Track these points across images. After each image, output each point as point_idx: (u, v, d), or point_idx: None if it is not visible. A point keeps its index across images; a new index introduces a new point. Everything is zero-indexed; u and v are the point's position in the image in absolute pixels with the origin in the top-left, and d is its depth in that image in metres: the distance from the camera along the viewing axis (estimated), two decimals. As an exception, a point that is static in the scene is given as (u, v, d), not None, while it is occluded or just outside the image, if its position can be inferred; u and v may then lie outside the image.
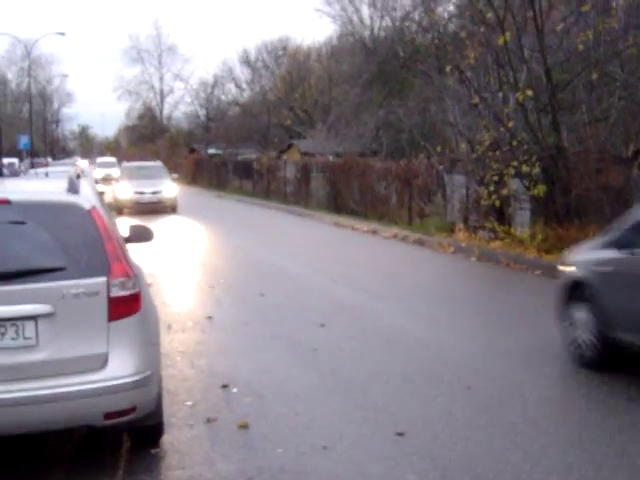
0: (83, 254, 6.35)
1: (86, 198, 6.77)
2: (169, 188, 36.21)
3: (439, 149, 23.07)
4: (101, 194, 12.58)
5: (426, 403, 8.25)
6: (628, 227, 9.19)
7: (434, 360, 9.92)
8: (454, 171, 23.24)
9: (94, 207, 6.64)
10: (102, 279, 6.25)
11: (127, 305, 6.34)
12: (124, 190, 35.70)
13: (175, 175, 41.01)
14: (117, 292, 6.28)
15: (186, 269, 18.12)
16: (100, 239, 6.39)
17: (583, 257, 9.99)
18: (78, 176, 7.41)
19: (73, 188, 6.80)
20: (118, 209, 34.23)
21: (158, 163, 41.47)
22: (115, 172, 62.22)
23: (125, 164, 42.05)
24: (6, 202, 6.49)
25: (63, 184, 6.94)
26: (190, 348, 10.67)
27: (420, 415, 7.85)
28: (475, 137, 20.51)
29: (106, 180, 62.98)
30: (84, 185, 7.22)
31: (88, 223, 6.46)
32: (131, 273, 6.42)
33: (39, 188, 7.73)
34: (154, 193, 35.26)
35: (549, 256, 16.84)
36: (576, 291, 9.73)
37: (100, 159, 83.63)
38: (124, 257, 6.49)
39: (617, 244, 9.11)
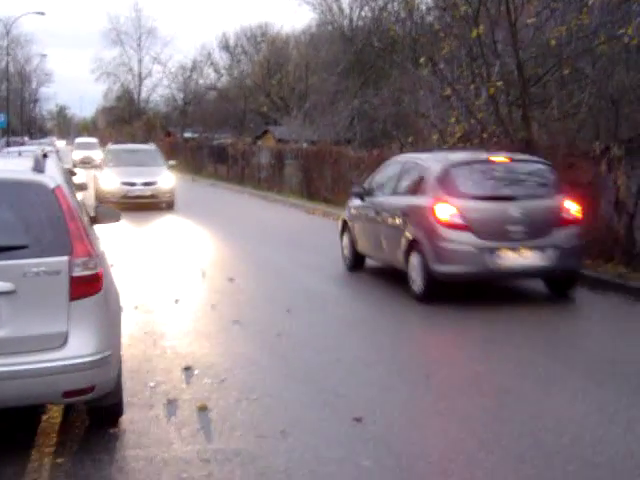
0: (46, 233, 6.42)
1: (51, 177, 6.85)
2: (165, 179, 29.50)
3: (411, 139, 23.18)
4: (77, 182, 12.28)
5: (384, 390, 8.39)
6: (363, 185, 16.00)
7: (392, 346, 10.05)
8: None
9: (59, 186, 6.71)
10: (64, 258, 6.32)
11: (88, 285, 6.43)
12: (109, 180, 29.08)
13: (173, 162, 33.78)
14: (79, 272, 6.35)
15: (154, 252, 18.20)
16: (63, 218, 6.46)
17: (348, 204, 16.43)
18: (45, 155, 7.48)
19: (38, 167, 6.88)
20: (100, 202, 26.20)
21: (151, 146, 34.28)
22: (96, 154, 57.51)
23: (111, 146, 34.33)
24: None
25: (29, 163, 7.03)
26: (155, 329, 10.78)
27: (379, 402, 7.99)
28: (447, 128, 20.65)
29: (85, 163, 58.47)
30: (50, 164, 7.31)
31: (52, 202, 6.53)
32: (93, 253, 6.50)
33: (5, 166, 7.81)
34: (147, 184, 28.87)
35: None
36: (344, 226, 16.30)
37: (79, 139, 76.90)
38: (87, 237, 6.57)
39: (358, 195, 15.67)
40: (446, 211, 12.49)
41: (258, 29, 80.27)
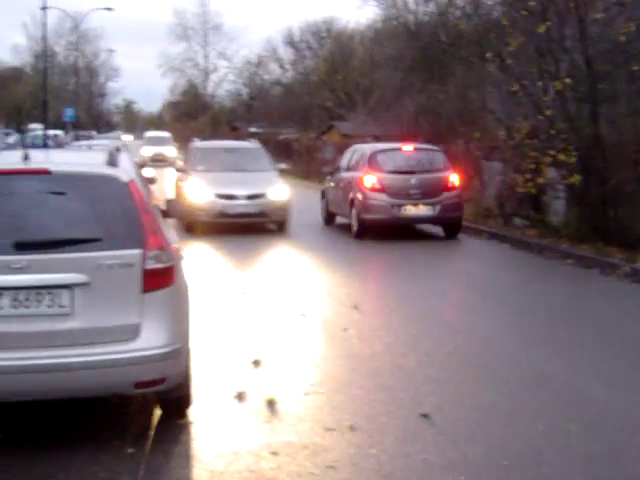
0: (120, 226, 6.54)
1: (124, 171, 6.97)
2: (278, 189, 21.28)
3: (477, 135, 23.05)
4: (147, 176, 11.35)
5: (452, 387, 8.41)
6: (333, 166, 23.21)
7: (464, 344, 10.05)
8: (491, 158, 23.26)
9: (132, 180, 6.83)
10: (137, 251, 6.44)
11: (161, 278, 6.53)
12: (198, 191, 20.91)
13: (283, 165, 26.49)
14: (152, 264, 6.47)
15: (219, 246, 18.33)
16: (137, 212, 6.58)
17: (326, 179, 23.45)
18: (118, 149, 7.61)
19: (112, 161, 7.00)
20: (186, 221, 20.75)
21: (254, 144, 25.04)
22: (169, 151, 54.60)
23: (198, 144, 25.18)
24: (46, 172, 6.70)
25: (103, 157, 7.14)
26: (224, 322, 10.87)
27: (447, 399, 8.01)
28: (513, 125, 20.52)
29: (157, 161, 51.03)
30: (123, 158, 7.42)
31: (125, 196, 6.65)
32: (166, 246, 6.61)
33: (79, 160, 7.94)
34: (252, 198, 20.78)
35: (582, 246, 16.88)
36: (322, 194, 23.62)
37: (149, 133, 66.56)
38: (160, 230, 6.68)
39: (329, 173, 23.43)
40: (370, 180, 19.73)
41: (323, 24, 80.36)
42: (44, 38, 54.34)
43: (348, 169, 21.43)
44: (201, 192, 20.89)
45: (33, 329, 6.26)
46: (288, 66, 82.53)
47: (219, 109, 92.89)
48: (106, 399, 7.34)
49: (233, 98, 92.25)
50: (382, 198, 19.40)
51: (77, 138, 63.97)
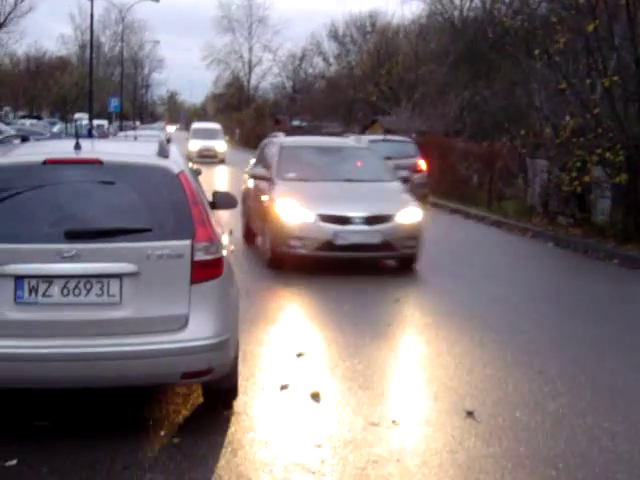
0: (169, 217, 6.58)
1: (175, 162, 7.00)
2: (407, 210, 14.71)
3: (523, 132, 22.94)
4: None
5: (497, 385, 8.38)
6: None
7: (505, 343, 10.01)
8: (537, 155, 23.13)
9: (182, 171, 6.86)
10: (187, 242, 6.47)
11: (210, 269, 6.56)
12: (292, 210, 14.24)
13: (405, 173, 20.85)
14: (201, 256, 6.49)
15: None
16: (186, 203, 6.60)
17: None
18: (168, 141, 7.64)
19: (163, 152, 7.02)
20: (272, 252, 14.46)
21: (360, 142, 19.97)
22: (220, 146, 49.28)
23: (284, 140, 17.90)
24: (98, 162, 6.75)
25: (154, 148, 7.17)
26: (267, 315, 10.90)
27: (492, 397, 7.99)
28: (560, 122, 20.39)
29: (206, 157, 46.42)
30: (173, 149, 7.45)
31: (176, 187, 6.68)
32: (215, 238, 6.64)
33: (130, 150, 7.97)
34: (372, 222, 14.14)
35: (628, 246, 16.77)
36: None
37: (197, 125, 56.59)
38: (209, 222, 6.71)
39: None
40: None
41: (367, 18, 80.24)
42: (91, 29, 54.50)
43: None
44: (296, 212, 14.11)
45: (82, 317, 6.31)
46: (332, 60, 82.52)
47: (262, 102, 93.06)
48: (153, 389, 7.40)
49: (276, 91, 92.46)
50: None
51: (121, 129, 64.45)
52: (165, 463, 6.24)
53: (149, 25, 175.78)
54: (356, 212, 14.02)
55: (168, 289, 6.45)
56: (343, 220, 13.92)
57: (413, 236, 14.39)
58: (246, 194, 17.59)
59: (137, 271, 6.35)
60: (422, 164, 26.57)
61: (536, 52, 21.14)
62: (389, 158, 19.62)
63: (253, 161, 18.89)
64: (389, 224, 14.08)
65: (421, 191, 23.40)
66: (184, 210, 6.57)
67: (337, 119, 64.41)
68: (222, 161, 45.27)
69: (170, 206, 6.60)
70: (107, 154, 7.07)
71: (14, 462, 6.19)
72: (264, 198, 15.14)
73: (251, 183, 17.05)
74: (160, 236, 6.46)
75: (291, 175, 15.38)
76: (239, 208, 13.89)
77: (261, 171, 16.25)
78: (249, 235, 17.23)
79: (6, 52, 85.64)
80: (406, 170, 22.14)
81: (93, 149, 7.53)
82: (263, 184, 15.62)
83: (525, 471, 6.27)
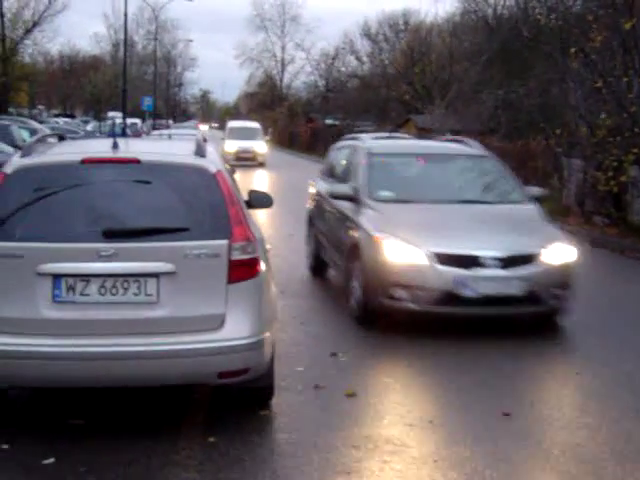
0: (207, 216, 6.57)
1: (212, 162, 6.98)
2: (555, 247, 10.40)
3: (558, 131, 22.78)
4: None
5: (535, 385, 8.31)
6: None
7: (545, 343, 9.92)
8: (572, 154, 22.96)
9: (219, 171, 6.84)
10: (224, 242, 6.45)
11: (246, 269, 6.54)
12: (395, 246, 10.01)
13: (539, 190, 13.00)
14: (237, 255, 6.48)
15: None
16: (224, 203, 6.59)
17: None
18: (205, 140, 7.62)
19: (200, 151, 7.01)
20: (367, 303, 10.33)
21: (478, 149, 12.72)
22: (260, 147, 44.58)
23: (373, 145, 12.80)
24: (136, 162, 6.75)
25: (191, 147, 7.16)
26: (301, 314, 10.88)
27: (528, 397, 7.93)
28: (596, 121, 20.24)
29: (245, 159, 42.67)
30: (210, 149, 7.44)
31: (213, 186, 6.67)
32: (252, 238, 6.62)
33: (167, 150, 7.97)
34: (510, 265, 9.88)
35: (664, 246, 16.64)
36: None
37: (234, 123, 50.07)
38: (246, 222, 6.69)
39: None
40: None
41: (400, 17, 80.00)
42: (125, 27, 54.71)
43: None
44: (400, 249, 10.10)
45: (119, 316, 6.31)
46: (365, 58, 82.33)
47: (295, 101, 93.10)
48: (189, 388, 7.39)
49: (309, 90, 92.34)
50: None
51: (154, 127, 64.68)
52: (202, 462, 6.24)
53: (182, 24, 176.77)
54: (487, 250, 9.98)
55: (205, 288, 6.44)
56: (469, 261, 9.88)
57: (564, 283, 10.44)
58: (316, 213, 13.92)
59: (174, 270, 6.35)
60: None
61: (572, 50, 21.01)
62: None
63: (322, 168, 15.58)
64: (534, 267, 10.07)
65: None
66: (221, 209, 6.56)
67: (370, 118, 64.25)
68: (262, 164, 41.79)
69: (207, 205, 6.59)
70: (144, 153, 7.07)
71: (51, 460, 6.21)
72: (349, 225, 11.42)
73: (324, 200, 13.21)
74: (197, 235, 6.45)
75: (387, 195, 11.45)
76: (303, 229, 13.16)
77: (343, 188, 11.92)
78: (320, 268, 13.61)
79: (40, 51, 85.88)
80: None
81: (130, 148, 7.53)
82: (345, 205, 11.76)
83: (568, 473, 6.22)
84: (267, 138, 51.00)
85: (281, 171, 40.74)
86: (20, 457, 6.28)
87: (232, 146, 43.18)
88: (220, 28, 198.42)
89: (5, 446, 6.45)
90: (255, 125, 48.46)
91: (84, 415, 7.08)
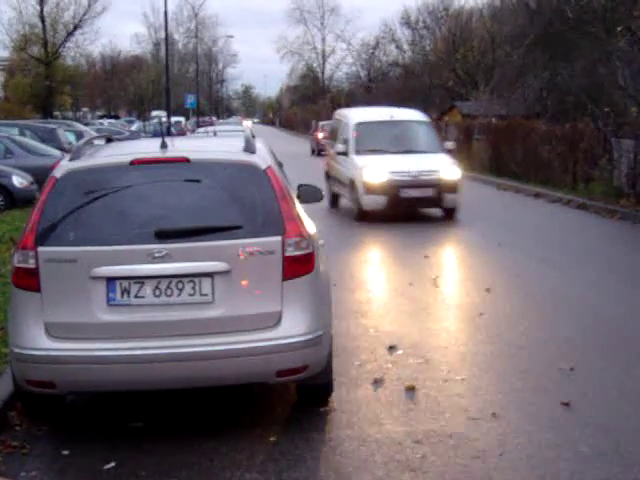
0: (259, 213, 6.49)
1: (262, 158, 6.89)
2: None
3: (606, 111, 22.42)
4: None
5: (595, 373, 8.15)
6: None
7: (602, 329, 9.75)
8: (622, 135, 22.61)
9: (269, 167, 6.76)
10: (277, 238, 6.37)
11: (301, 265, 6.45)
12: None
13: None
14: (292, 251, 6.39)
15: (344, 229, 18.22)
16: (276, 199, 6.50)
17: None
18: (253, 136, 7.53)
19: (250, 148, 6.92)
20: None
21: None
22: (447, 169, 19.24)
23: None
24: (186, 160, 6.68)
25: (240, 143, 7.07)
26: (356, 307, 10.76)
27: (589, 385, 7.77)
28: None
29: (418, 202, 19.44)
30: (259, 145, 7.35)
31: (264, 183, 6.58)
32: (306, 233, 6.53)
33: (216, 147, 7.89)
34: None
35: None
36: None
37: (362, 113, 23.16)
38: (299, 217, 6.60)
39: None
40: None
41: (440, 3, 79.53)
42: (165, 26, 54.78)
43: None
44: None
45: (175, 318, 6.25)
46: (406, 47, 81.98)
47: (337, 92, 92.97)
48: (247, 387, 7.32)
49: (351, 81, 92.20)
50: None
51: (198, 125, 64.84)
52: (263, 463, 6.17)
53: (221, 20, 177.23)
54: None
55: (260, 286, 6.36)
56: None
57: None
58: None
59: (229, 269, 6.27)
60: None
61: (618, 29, 20.69)
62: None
63: None
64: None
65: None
66: (273, 206, 6.47)
67: (414, 106, 64.01)
68: (451, 216, 19.76)
69: (259, 202, 6.51)
70: (193, 152, 6.99)
71: (112, 465, 6.17)
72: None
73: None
74: (250, 233, 6.36)
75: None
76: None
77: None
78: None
79: (82, 53, 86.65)
80: None
81: (179, 147, 7.44)
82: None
83: (635, 464, 6.07)
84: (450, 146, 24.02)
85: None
86: (81, 462, 6.26)
87: (377, 171, 19.11)
88: (260, 23, 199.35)
89: (65, 452, 6.44)
90: (419, 117, 22.64)
91: (144, 417, 7.05)
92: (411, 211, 19.47)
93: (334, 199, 21.89)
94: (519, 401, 7.36)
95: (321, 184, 15.17)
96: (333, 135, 22.95)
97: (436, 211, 19.86)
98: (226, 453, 6.32)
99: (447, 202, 19.02)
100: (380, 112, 22.84)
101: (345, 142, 20.64)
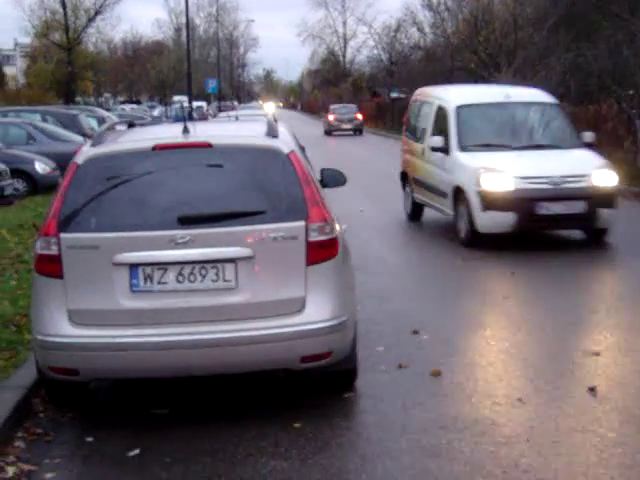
0: (282, 198, 6.43)
1: (285, 142, 6.83)
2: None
3: (631, 92, 22.19)
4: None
5: (620, 358, 8.07)
6: None
7: (625, 313, 9.66)
8: (646, 117, 22.39)
9: (292, 151, 6.69)
10: (301, 223, 6.31)
11: (325, 250, 6.40)
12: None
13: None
14: (315, 237, 6.34)
15: (375, 211, 18.05)
16: (299, 183, 6.45)
17: None
18: (276, 120, 7.47)
19: (272, 132, 6.86)
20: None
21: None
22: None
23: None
24: (208, 145, 6.63)
25: (262, 128, 7.01)
26: (379, 291, 10.69)
27: (615, 371, 7.70)
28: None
29: None
30: (282, 129, 7.29)
31: (287, 167, 6.52)
32: (329, 218, 6.47)
33: (238, 132, 7.83)
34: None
35: None
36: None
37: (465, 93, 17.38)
38: (322, 202, 6.53)
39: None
40: None
41: (462, -15, 79.09)
42: (186, 11, 54.64)
43: None
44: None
45: (198, 304, 6.22)
46: (427, 29, 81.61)
47: (359, 76, 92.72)
48: (272, 373, 7.28)
49: (373, 64, 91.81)
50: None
51: (220, 109, 64.85)
52: (288, 449, 6.13)
53: (242, 4, 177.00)
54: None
55: (284, 272, 6.31)
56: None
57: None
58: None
59: (252, 255, 6.23)
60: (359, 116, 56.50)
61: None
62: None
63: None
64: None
65: None
66: (296, 190, 6.42)
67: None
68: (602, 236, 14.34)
69: (282, 187, 6.46)
70: (216, 137, 6.94)
71: (136, 452, 6.15)
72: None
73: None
74: (274, 218, 6.32)
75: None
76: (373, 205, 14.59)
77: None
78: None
79: (103, 39, 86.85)
80: None
81: (201, 132, 7.38)
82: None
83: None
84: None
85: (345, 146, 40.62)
86: (105, 450, 6.25)
87: (501, 177, 13.49)
88: (280, 6, 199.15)
89: (90, 439, 6.42)
90: (543, 97, 16.31)
91: (168, 404, 7.03)
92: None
93: (416, 210, 16.61)
94: (544, 386, 7.27)
95: (352, 169, 13.73)
96: (410, 123, 17.58)
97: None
98: (250, 439, 6.28)
99: (601, 221, 13.43)
100: (489, 91, 17.54)
101: (440, 134, 14.84)
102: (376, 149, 40.04)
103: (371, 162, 31.14)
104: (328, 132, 57.08)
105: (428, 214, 16.36)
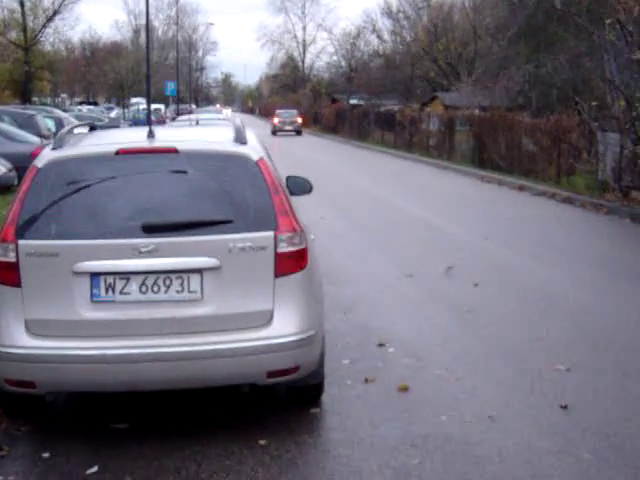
0: (250, 207, 6.20)
1: (253, 149, 6.60)
2: None
3: (594, 104, 22.22)
4: None
5: (592, 375, 7.91)
6: None
7: (597, 328, 9.53)
8: (607, 129, 22.42)
9: (262, 158, 6.47)
10: (269, 233, 6.09)
11: (294, 261, 6.19)
12: None
13: None
14: (284, 247, 6.12)
15: (333, 220, 17.92)
16: (268, 192, 6.23)
17: None
18: (243, 126, 7.24)
19: (241, 138, 6.63)
20: None
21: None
22: None
23: None
24: (174, 151, 6.38)
25: (230, 133, 6.80)
26: (343, 303, 10.49)
27: (588, 388, 7.54)
28: (635, 94, 19.70)
29: None
30: (251, 135, 7.06)
31: (256, 175, 6.30)
32: (298, 228, 6.25)
33: (205, 137, 7.60)
34: None
35: None
36: None
37: None
38: (291, 211, 6.31)
39: None
40: None
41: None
42: (146, 12, 54.14)
43: None
44: None
45: (162, 315, 5.98)
46: (387, 37, 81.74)
47: (318, 81, 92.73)
48: (236, 389, 7.04)
49: (332, 70, 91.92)
50: None
51: (178, 112, 64.52)
52: (253, 468, 5.92)
53: (202, 8, 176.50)
54: None
55: (251, 283, 6.08)
56: None
57: None
58: None
59: (218, 265, 6.00)
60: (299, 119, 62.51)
61: (607, 21, 20.46)
62: None
63: None
64: None
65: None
66: (265, 199, 6.19)
67: (395, 96, 63.79)
68: None
69: (250, 195, 6.22)
70: (182, 142, 6.69)
71: (95, 469, 5.90)
72: None
73: None
74: (241, 228, 6.09)
75: None
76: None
77: None
78: None
79: (61, 39, 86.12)
80: None
81: (167, 137, 7.14)
82: None
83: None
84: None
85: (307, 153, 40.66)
86: (62, 466, 5.99)
87: None
88: (240, 11, 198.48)
89: (46, 454, 6.16)
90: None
91: (127, 418, 6.77)
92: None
93: None
94: (517, 403, 7.10)
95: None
96: None
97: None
98: (214, 457, 6.06)
99: None
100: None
101: None
102: (313, 146, 40.39)
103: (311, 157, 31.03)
104: (274, 132, 66.91)
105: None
